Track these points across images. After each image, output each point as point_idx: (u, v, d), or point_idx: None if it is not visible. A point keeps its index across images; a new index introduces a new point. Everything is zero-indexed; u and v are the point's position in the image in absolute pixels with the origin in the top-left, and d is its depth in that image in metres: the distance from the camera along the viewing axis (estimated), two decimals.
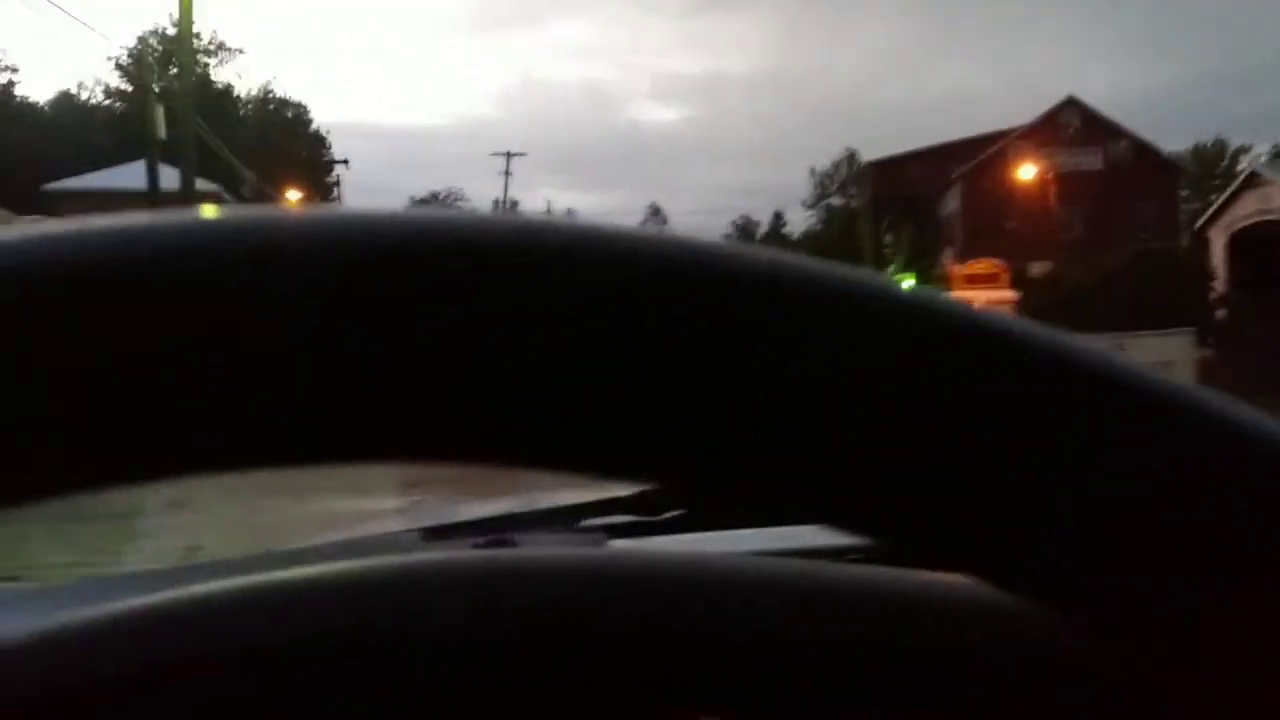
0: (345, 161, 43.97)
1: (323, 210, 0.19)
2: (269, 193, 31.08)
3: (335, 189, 43.22)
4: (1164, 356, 13.51)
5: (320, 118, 73.59)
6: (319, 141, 45.74)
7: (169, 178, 15.80)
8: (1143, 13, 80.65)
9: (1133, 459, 0.21)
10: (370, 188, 66.01)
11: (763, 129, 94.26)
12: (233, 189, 27.29)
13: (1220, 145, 52.97)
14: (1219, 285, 20.93)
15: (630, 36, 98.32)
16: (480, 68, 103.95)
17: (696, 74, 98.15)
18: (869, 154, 50.55)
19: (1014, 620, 0.32)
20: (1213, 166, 49.54)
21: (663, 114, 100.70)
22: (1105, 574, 0.21)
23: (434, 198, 67.23)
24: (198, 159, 16.90)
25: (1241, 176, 26.34)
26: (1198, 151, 50.80)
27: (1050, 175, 33.95)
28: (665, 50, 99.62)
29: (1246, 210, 24.00)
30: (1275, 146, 47.57)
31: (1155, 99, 68.00)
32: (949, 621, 0.33)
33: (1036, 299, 17.66)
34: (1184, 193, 38.90)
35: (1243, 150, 49.88)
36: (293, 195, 34.02)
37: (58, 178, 28.23)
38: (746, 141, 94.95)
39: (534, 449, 0.20)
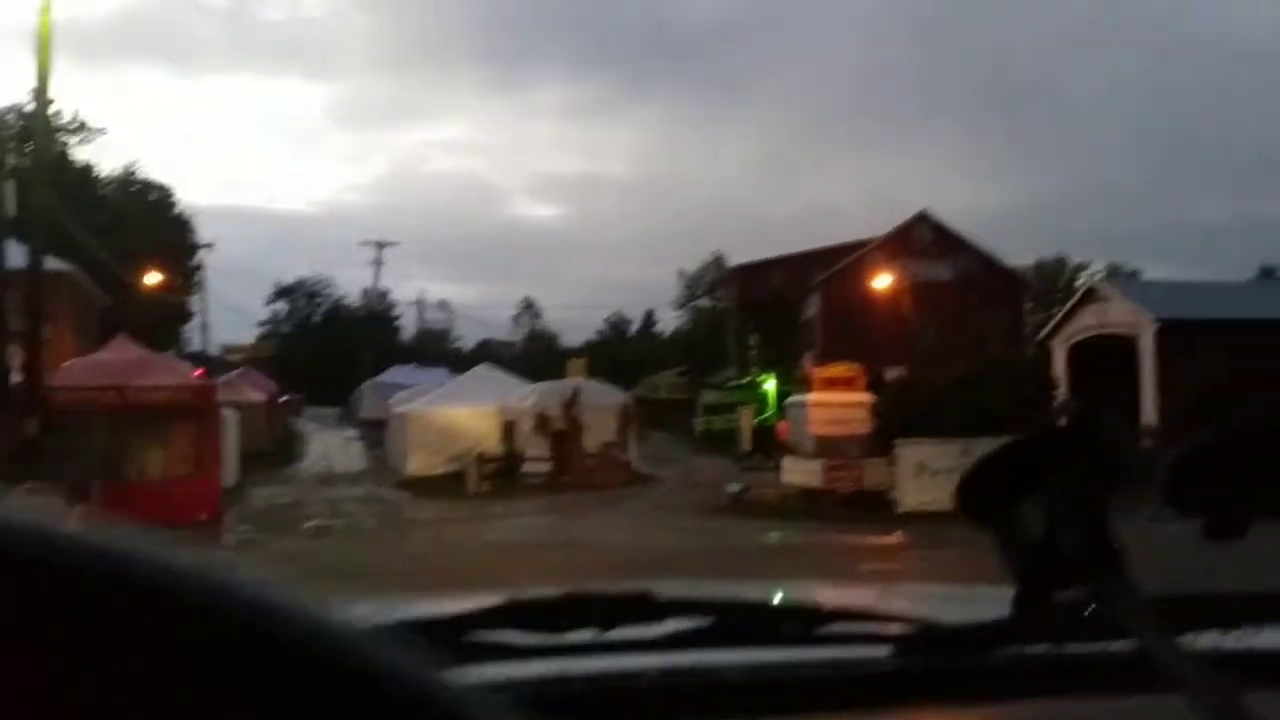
0: (209, 245, 43.09)
1: None
2: (124, 275, 30.13)
3: (197, 272, 42.21)
4: None
5: (188, 200, 72.01)
6: (182, 225, 44.62)
7: (18, 255, 15.27)
8: (992, 135, 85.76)
9: None
10: (237, 271, 64.54)
11: (636, 229, 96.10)
12: (88, 269, 26.38)
13: (1061, 262, 56.24)
14: (1060, 393, 22.04)
15: (509, 136, 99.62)
16: (357, 159, 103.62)
17: (574, 174, 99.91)
18: (735, 258, 52.11)
19: None
20: (1054, 281, 52.43)
21: (540, 210, 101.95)
22: None
23: (300, 285, 66.21)
24: (51, 238, 16.38)
25: (1080, 292, 28.06)
26: (1040, 267, 53.74)
27: (904, 285, 35.47)
28: (544, 150, 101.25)
29: (1085, 323, 25.49)
30: (1110, 265, 50.92)
31: (1003, 215, 72.05)
32: None
33: (891, 403, 18.31)
34: (1028, 305, 41.02)
35: (1081, 267, 53.15)
36: (151, 278, 33.05)
37: None
38: (620, 241, 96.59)
39: None
